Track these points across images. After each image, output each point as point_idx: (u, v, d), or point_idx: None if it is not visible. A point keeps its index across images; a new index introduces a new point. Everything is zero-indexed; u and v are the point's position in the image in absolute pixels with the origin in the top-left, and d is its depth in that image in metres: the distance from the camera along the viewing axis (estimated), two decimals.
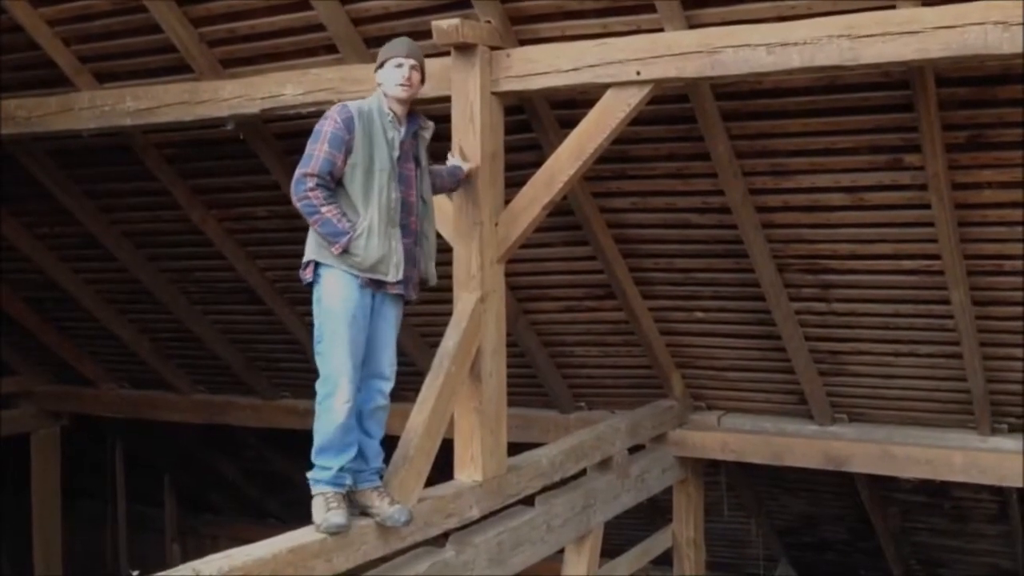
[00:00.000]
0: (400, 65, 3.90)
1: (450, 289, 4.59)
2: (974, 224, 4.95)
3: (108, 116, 5.55)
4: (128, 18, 5.30)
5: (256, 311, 7.12)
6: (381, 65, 3.95)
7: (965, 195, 4.84)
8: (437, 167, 4.31)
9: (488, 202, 4.53)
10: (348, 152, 3.74)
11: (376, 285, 3.82)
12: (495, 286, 4.61)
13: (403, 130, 3.92)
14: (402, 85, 3.88)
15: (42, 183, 6.56)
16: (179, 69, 5.46)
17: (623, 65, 4.39)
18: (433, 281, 4.10)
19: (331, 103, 4.88)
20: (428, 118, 4.13)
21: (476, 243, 4.50)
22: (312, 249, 3.83)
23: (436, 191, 4.25)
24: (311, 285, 3.86)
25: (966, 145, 4.67)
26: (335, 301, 3.78)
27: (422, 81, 4.01)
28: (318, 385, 3.82)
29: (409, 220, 3.91)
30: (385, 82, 3.92)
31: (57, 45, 5.56)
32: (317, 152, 3.72)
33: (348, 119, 3.77)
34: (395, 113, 3.90)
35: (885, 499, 7.13)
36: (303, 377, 7.44)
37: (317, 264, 3.82)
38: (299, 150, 5.75)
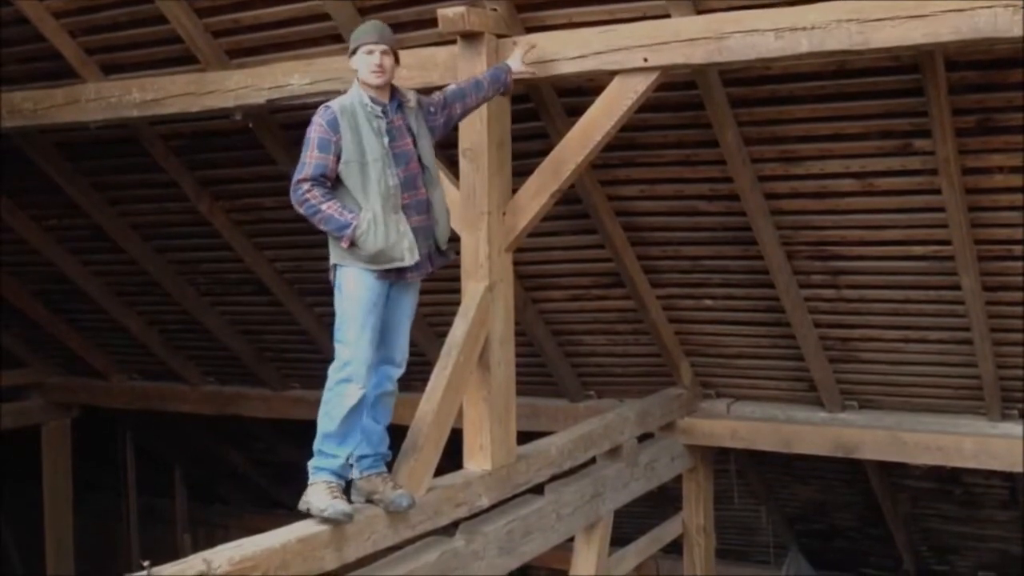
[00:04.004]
0: (371, 52, 3.86)
1: (458, 278, 4.58)
2: (984, 209, 4.92)
3: (114, 108, 5.56)
4: (134, 9, 5.30)
5: (265, 302, 7.13)
6: (353, 52, 3.92)
7: (975, 180, 4.81)
8: (466, 85, 4.24)
9: (495, 191, 4.53)
10: (338, 153, 3.76)
11: (395, 274, 3.84)
12: (503, 275, 4.60)
13: (388, 113, 3.89)
14: (374, 72, 3.86)
15: (49, 176, 6.57)
16: (185, 60, 5.45)
17: (630, 52, 4.36)
18: (444, 245, 4.06)
19: (338, 92, 4.89)
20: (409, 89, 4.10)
21: (484, 232, 4.49)
22: (332, 253, 3.87)
23: (469, 109, 4.24)
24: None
25: (976, 129, 4.64)
26: (354, 288, 3.81)
27: (396, 63, 3.96)
28: (332, 370, 3.82)
29: (417, 193, 3.91)
30: (359, 69, 3.90)
31: (63, 37, 5.56)
32: (308, 159, 3.76)
33: (332, 120, 3.78)
34: (375, 100, 3.87)
35: (895, 486, 7.12)
36: (312, 368, 7.46)
37: (338, 266, 3.86)
38: None
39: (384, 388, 3.97)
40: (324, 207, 3.73)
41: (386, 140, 3.83)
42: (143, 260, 7.07)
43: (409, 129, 3.95)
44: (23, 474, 9.26)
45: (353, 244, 3.74)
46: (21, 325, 8.27)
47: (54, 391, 8.82)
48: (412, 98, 4.03)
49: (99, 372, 8.57)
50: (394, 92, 3.98)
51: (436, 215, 4.00)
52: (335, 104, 3.84)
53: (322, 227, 3.78)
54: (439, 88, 4.27)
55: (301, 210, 3.77)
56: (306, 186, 3.74)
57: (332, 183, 3.78)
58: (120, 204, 6.80)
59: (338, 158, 3.75)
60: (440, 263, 4.06)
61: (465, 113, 4.26)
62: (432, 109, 4.12)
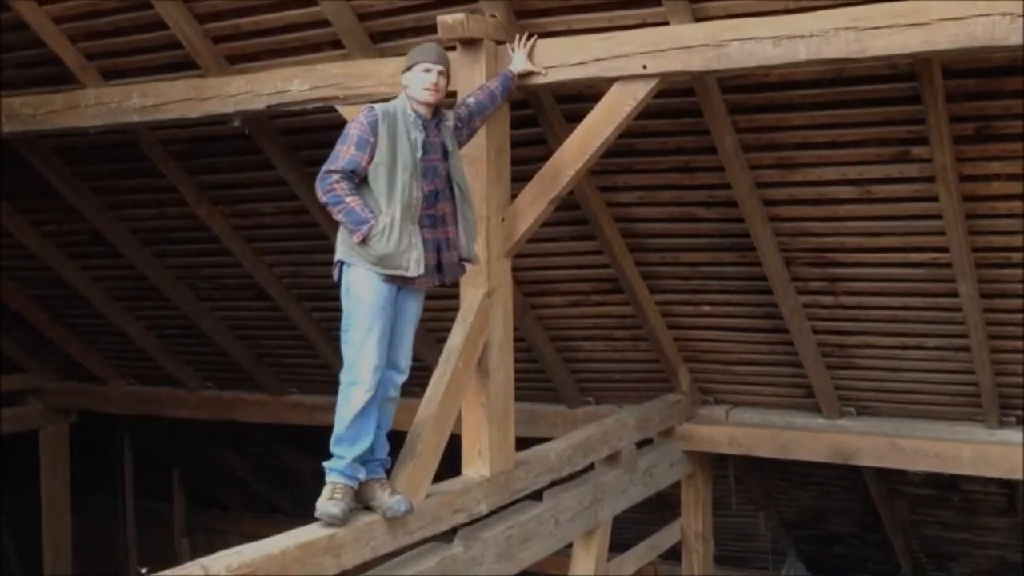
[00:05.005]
0: (428, 70, 4.01)
1: (457, 284, 4.58)
2: (982, 216, 4.93)
3: (114, 113, 5.56)
4: (134, 15, 5.30)
5: (263, 307, 7.13)
6: (409, 68, 4.05)
7: (973, 187, 4.82)
8: (483, 97, 4.33)
9: (494, 197, 4.54)
10: (372, 153, 3.87)
11: (401, 280, 3.91)
12: (502, 281, 4.61)
13: (427, 128, 4.01)
14: (428, 90, 4.00)
15: (48, 180, 6.57)
16: (185, 65, 5.46)
17: (629, 59, 4.38)
18: (475, 260, 4.22)
19: (337, 98, 4.93)
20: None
21: (482, 238, 4.49)
22: (339, 249, 3.94)
23: (486, 120, 4.36)
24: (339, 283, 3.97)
25: (974, 137, 4.65)
26: (364, 291, 3.88)
27: (447, 86, 4.10)
28: (342, 374, 3.90)
29: (436, 208, 4.02)
30: (412, 85, 4.03)
31: (63, 42, 5.56)
32: (343, 153, 3.87)
33: (373, 122, 3.89)
34: (419, 114, 4.00)
35: (893, 492, 7.12)
36: (311, 373, 7.46)
37: (345, 263, 3.92)
38: (305, 146, 5.82)
39: (387, 393, 4.00)
40: (348, 199, 3.83)
41: (419, 153, 3.95)
42: (142, 265, 7.07)
43: (443, 146, 4.08)
44: (22, 478, 9.25)
45: (364, 241, 3.81)
46: (20, 330, 8.26)
47: (53, 396, 8.82)
48: (451, 118, 4.17)
49: (98, 377, 8.56)
50: (436, 110, 4.10)
51: (465, 229, 4.10)
52: (379, 108, 3.96)
53: (340, 218, 3.86)
54: None
55: (324, 198, 3.87)
56: (335, 177, 3.85)
57: (359, 181, 3.88)
58: (119, 209, 6.80)
59: (371, 159, 3.86)
60: (454, 276, 4.15)
61: (482, 124, 4.37)
62: (459, 124, 4.21)
